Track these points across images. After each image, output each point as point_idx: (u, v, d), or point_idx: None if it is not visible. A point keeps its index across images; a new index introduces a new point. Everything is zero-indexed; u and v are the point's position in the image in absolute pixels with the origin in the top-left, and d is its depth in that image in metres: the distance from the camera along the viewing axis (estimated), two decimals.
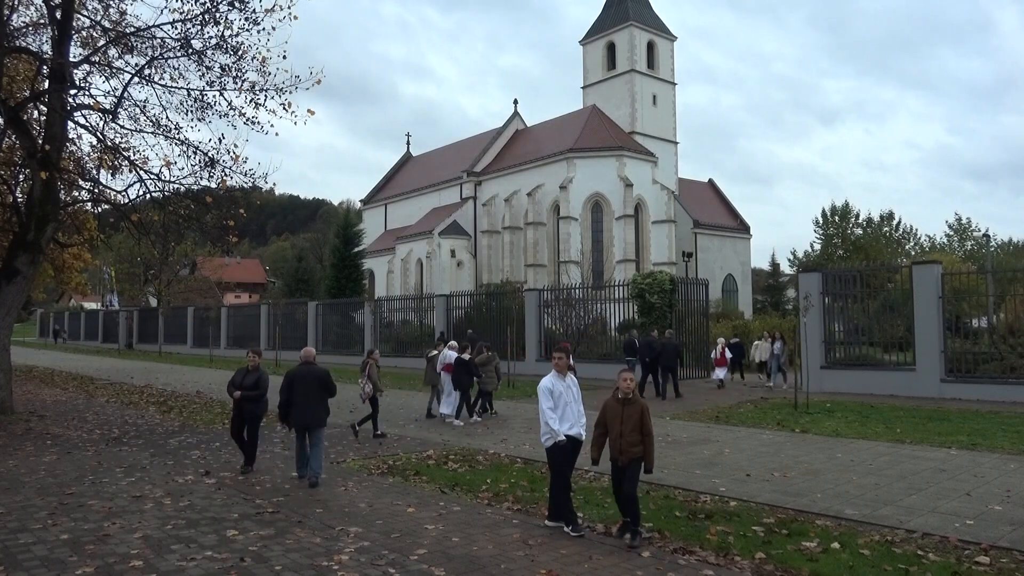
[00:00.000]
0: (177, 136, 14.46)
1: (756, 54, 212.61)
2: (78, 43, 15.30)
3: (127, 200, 15.48)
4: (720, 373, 21.21)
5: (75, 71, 14.22)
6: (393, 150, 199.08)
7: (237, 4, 13.51)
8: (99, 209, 17.25)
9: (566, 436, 6.76)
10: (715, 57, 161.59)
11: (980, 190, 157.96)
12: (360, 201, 73.69)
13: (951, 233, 63.76)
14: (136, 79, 14.21)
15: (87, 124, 14.98)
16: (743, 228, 58.02)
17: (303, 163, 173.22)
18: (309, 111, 13.56)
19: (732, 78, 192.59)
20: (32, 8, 15.83)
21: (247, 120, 14.07)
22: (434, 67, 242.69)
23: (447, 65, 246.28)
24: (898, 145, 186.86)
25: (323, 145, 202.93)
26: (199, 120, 14.45)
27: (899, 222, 62.10)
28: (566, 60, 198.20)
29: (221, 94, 14.09)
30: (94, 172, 16.36)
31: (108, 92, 15.17)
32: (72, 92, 14.24)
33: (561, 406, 6.82)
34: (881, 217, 61.54)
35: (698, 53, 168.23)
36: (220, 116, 14.29)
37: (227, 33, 13.70)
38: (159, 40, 14.03)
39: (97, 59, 14.89)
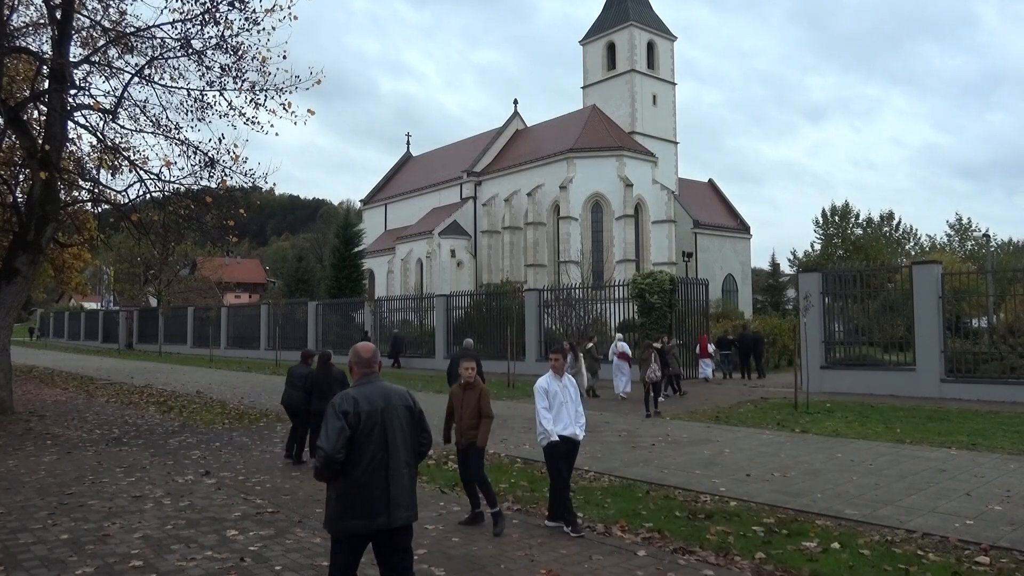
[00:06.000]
0: (177, 136, 14.48)
1: (736, 50, 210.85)
2: (78, 43, 15.31)
3: (127, 200, 15.49)
4: None
5: (75, 71, 14.23)
6: (378, 149, 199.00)
7: (237, 4, 13.51)
8: (99, 209, 17.28)
9: (560, 436, 6.76)
10: (694, 53, 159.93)
11: (973, 189, 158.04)
12: (360, 201, 73.68)
13: (951, 233, 63.82)
14: (136, 79, 14.22)
15: (87, 124, 14.99)
16: (743, 228, 57.99)
17: (287, 161, 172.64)
18: (309, 111, 13.59)
19: (712, 75, 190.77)
20: (32, 8, 15.86)
21: (247, 120, 14.09)
22: (411, 63, 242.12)
23: (424, 61, 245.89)
24: (885, 143, 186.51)
25: (305, 144, 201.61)
26: (199, 120, 14.46)
27: (899, 222, 62.18)
28: (548, 56, 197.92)
29: (221, 94, 14.10)
30: (94, 172, 16.37)
31: (108, 92, 15.20)
32: (72, 92, 14.24)
33: (556, 406, 6.83)
34: (881, 217, 61.58)
35: (678, 49, 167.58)
36: (220, 116, 14.30)
37: (227, 33, 13.71)
38: (159, 40, 14.05)
39: (97, 59, 14.89)
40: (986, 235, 43.82)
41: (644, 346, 16.91)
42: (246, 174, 14.26)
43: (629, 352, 18.75)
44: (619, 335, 19.92)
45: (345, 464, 4.01)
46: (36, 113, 16.34)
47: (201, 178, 14.38)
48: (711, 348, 23.64)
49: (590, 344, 19.37)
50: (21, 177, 17.06)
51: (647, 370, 15.61)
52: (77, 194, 17.24)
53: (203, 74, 14.10)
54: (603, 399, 18.15)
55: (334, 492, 4.09)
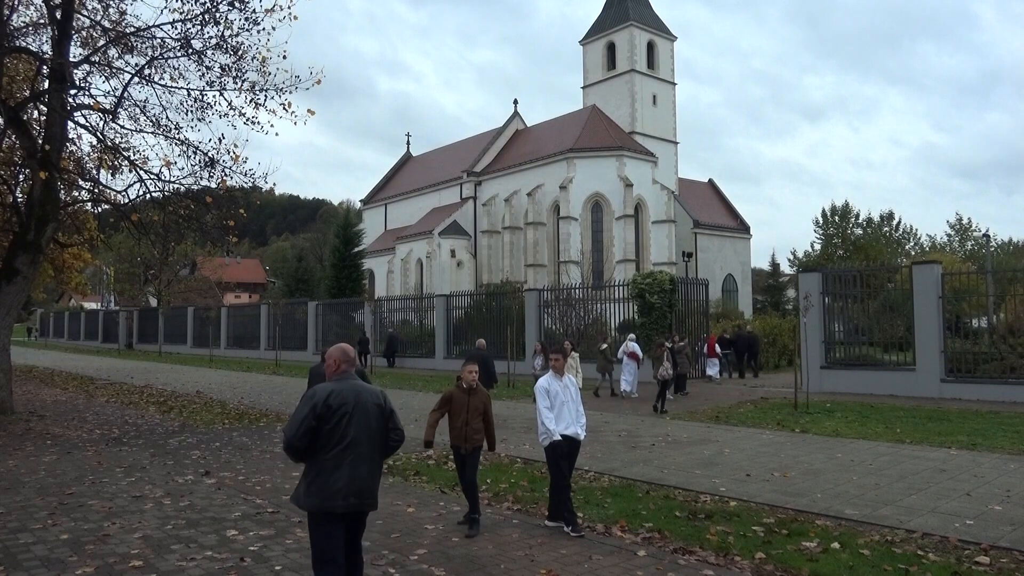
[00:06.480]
0: (177, 136, 14.46)
1: (734, 49, 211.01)
2: (78, 43, 15.29)
3: (127, 200, 15.46)
4: None
5: (75, 71, 14.20)
6: (376, 149, 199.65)
7: (237, 4, 13.49)
8: (99, 209, 17.24)
9: (562, 436, 6.76)
10: (692, 52, 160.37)
11: (971, 189, 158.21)
12: (360, 201, 73.74)
13: (951, 233, 63.86)
14: (136, 79, 14.20)
15: (87, 124, 14.97)
16: (743, 228, 58.00)
17: (285, 161, 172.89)
18: (309, 111, 13.57)
19: (710, 74, 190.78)
20: (32, 8, 15.84)
21: (247, 120, 14.07)
22: (409, 63, 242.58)
23: (422, 61, 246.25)
24: (884, 143, 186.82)
25: (303, 143, 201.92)
26: (199, 120, 14.43)
27: (899, 222, 62.23)
28: (547, 56, 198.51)
29: (221, 94, 14.07)
30: (94, 172, 16.35)
31: (108, 92, 15.18)
32: (72, 92, 14.22)
33: (558, 406, 6.83)
34: (881, 217, 61.70)
35: (676, 49, 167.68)
36: (220, 116, 14.27)
37: (227, 33, 13.69)
38: (159, 40, 14.03)
39: (97, 59, 14.87)
40: (986, 235, 43.64)
41: (657, 344, 17.41)
42: (246, 174, 14.24)
43: (639, 353, 19.07)
44: (631, 335, 20.38)
45: (311, 449, 4.42)
46: (36, 113, 16.32)
47: (201, 178, 14.37)
48: (717, 348, 24.21)
49: (604, 345, 19.85)
50: (21, 177, 17.05)
51: (660, 368, 16.01)
52: (77, 194, 17.22)
53: (203, 74, 14.09)
54: (602, 398, 18.15)
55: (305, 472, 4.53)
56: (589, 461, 9.91)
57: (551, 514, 6.91)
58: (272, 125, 16.84)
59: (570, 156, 49.11)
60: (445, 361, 29.16)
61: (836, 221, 60.23)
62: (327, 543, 4.42)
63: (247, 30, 13.70)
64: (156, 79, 14.21)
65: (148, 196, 15.06)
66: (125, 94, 14.24)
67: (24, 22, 15.40)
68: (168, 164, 14.30)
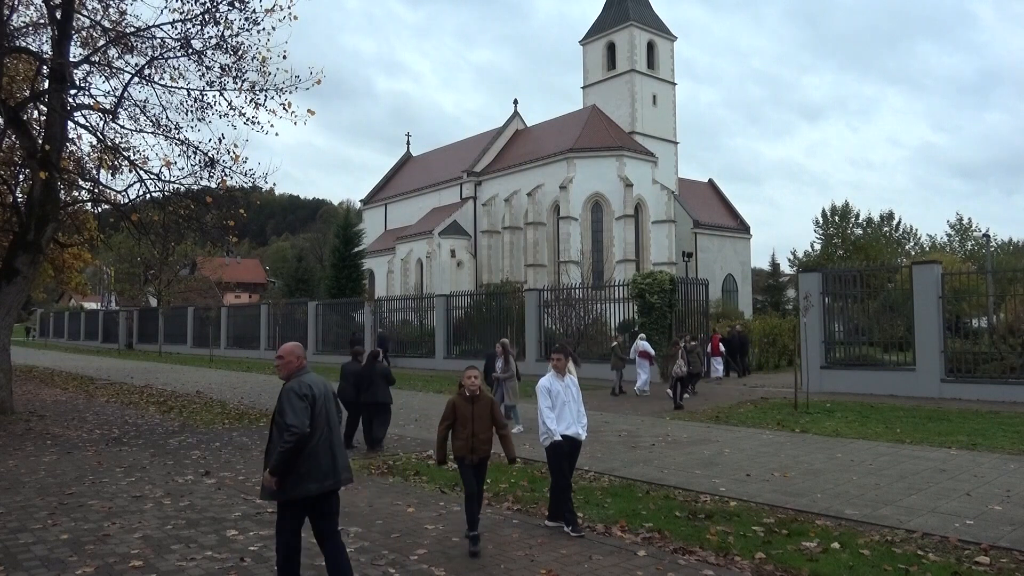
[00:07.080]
0: (177, 136, 14.46)
1: (732, 49, 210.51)
2: (78, 43, 15.30)
3: (127, 200, 15.47)
4: None
5: (75, 71, 14.21)
6: (374, 148, 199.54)
7: (237, 4, 13.50)
8: (99, 209, 17.25)
9: (563, 436, 6.75)
10: (691, 52, 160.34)
11: (971, 188, 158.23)
12: (360, 201, 73.73)
13: (951, 233, 63.85)
14: (136, 79, 14.21)
15: (87, 124, 14.98)
16: (743, 228, 57.99)
17: (284, 161, 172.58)
18: (309, 111, 13.58)
19: (709, 74, 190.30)
20: (32, 8, 15.85)
21: (247, 120, 14.08)
22: (407, 63, 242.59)
23: (420, 61, 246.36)
24: (883, 143, 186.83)
25: (302, 143, 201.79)
26: (199, 120, 14.44)
27: (899, 222, 62.21)
28: (545, 56, 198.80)
29: (221, 94, 14.09)
30: (94, 172, 16.36)
31: (108, 92, 15.19)
32: (72, 92, 14.23)
33: (559, 406, 6.82)
34: (881, 217, 61.66)
35: (675, 49, 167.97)
36: (220, 116, 14.29)
37: (227, 33, 13.70)
38: (159, 40, 14.04)
39: (97, 59, 14.88)
40: (986, 235, 43.58)
41: (672, 343, 17.87)
42: (246, 174, 14.26)
43: (651, 351, 19.31)
44: (642, 334, 20.68)
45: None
46: (36, 113, 16.33)
47: (201, 178, 14.38)
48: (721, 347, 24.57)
49: (614, 343, 20.24)
50: (21, 177, 17.05)
51: (674, 366, 16.38)
52: (77, 194, 17.22)
53: (203, 74, 14.10)
54: (604, 397, 18.14)
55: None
56: (589, 461, 9.92)
57: (551, 514, 6.91)
58: (272, 125, 16.83)
59: (570, 156, 49.10)
60: (445, 361, 29.15)
61: (836, 221, 60.22)
62: (296, 523, 4.88)
63: (247, 30, 13.73)
64: (156, 79, 14.24)
65: (148, 196, 15.07)
66: (125, 94, 14.26)
67: (24, 22, 15.42)
68: (168, 164, 14.32)
